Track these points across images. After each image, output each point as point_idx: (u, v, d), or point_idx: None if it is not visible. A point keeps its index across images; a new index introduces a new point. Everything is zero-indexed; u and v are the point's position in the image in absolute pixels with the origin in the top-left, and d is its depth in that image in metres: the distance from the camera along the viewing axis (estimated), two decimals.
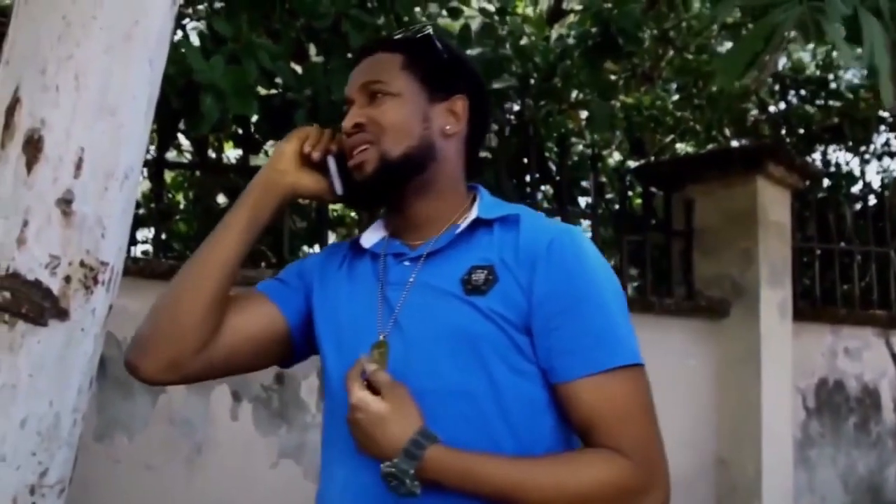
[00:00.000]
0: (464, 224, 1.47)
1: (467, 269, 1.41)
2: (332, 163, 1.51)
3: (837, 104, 6.97)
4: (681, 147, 7.38)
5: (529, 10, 6.48)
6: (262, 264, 4.43)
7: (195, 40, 3.57)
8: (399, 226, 1.54)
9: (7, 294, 1.39)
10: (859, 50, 2.71)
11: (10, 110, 1.43)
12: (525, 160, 4.61)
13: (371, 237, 1.55)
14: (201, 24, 4.10)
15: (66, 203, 1.42)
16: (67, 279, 1.43)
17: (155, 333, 1.47)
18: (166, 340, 1.45)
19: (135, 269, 3.21)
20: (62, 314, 1.43)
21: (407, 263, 1.47)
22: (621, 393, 1.33)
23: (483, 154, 4.43)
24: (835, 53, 6.63)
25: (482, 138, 1.63)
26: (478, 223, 1.47)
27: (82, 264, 1.44)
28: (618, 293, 1.40)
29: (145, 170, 3.79)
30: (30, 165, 1.41)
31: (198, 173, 4.30)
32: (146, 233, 4.67)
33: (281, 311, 1.53)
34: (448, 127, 1.50)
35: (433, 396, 1.34)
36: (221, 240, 1.50)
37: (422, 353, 1.38)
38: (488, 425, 1.34)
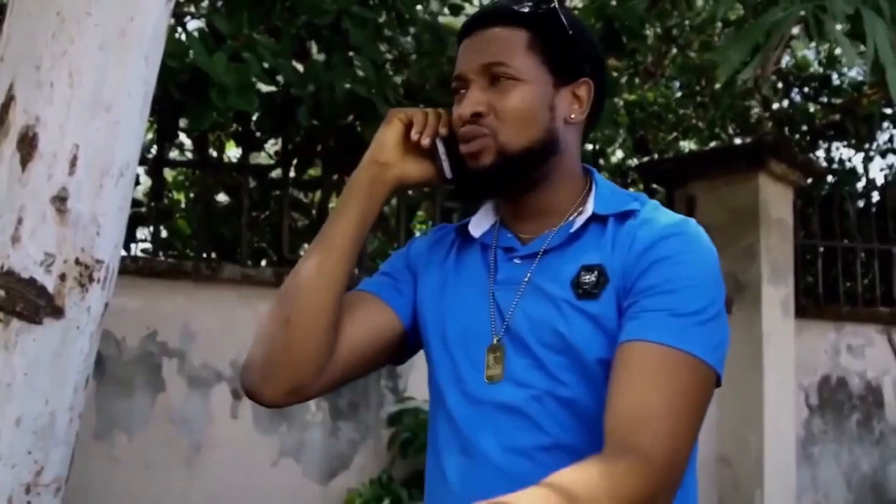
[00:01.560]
0: (579, 222, 1.37)
1: (577, 269, 1.33)
2: (441, 146, 1.40)
3: (840, 101, 6.96)
4: (684, 144, 7.36)
5: None
6: (263, 262, 4.42)
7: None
8: (511, 214, 1.44)
9: (2, 292, 1.39)
10: (862, 47, 2.70)
11: (5, 107, 1.43)
12: None
13: (480, 224, 1.46)
14: (202, 23, 4.09)
15: (60, 201, 1.42)
16: (62, 277, 1.42)
17: (272, 363, 1.35)
18: (285, 370, 1.34)
19: (134, 268, 3.21)
20: (57, 312, 1.42)
21: (518, 261, 1.39)
22: (664, 376, 1.20)
23: None
24: (837, 50, 6.61)
25: (597, 121, 1.50)
26: (592, 219, 1.37)
27: (77, 262, 1.43)
28: (715, 292, 1.29)
29: (146, 168, 3.78)
30: (24, 163, 1.41)
31: (198, 172, 4.29)
32: (146, 231, 4.66)
33: (395, 312, 1.44)
34: (573, 115, 1.39)
35: (547, 400, 1.30)
36: (331, 250, 1.37)
37: (533, 360, 1.32)
38: (595, 431, 1.25)
